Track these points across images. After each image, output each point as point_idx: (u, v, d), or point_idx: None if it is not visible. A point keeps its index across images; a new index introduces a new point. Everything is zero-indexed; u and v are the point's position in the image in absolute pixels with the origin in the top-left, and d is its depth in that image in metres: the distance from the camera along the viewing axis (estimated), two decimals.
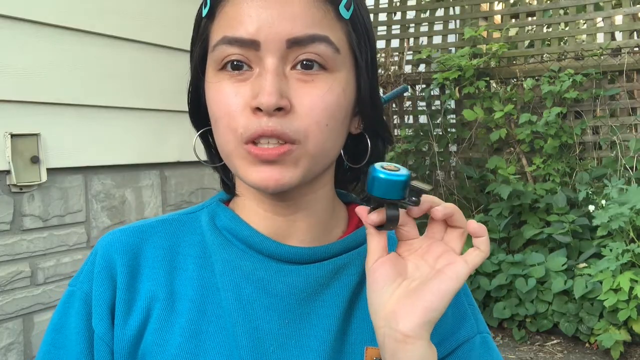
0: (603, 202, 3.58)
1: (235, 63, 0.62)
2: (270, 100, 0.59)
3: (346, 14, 0.64)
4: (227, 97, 0.63)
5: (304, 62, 0.62)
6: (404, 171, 0.59)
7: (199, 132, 0.73)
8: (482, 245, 0.60)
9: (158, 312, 0.67)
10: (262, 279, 0.67)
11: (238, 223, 0.70)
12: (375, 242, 0.62)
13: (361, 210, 0.63)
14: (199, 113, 0.72)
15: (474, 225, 0.61)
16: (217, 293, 0.68)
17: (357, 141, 0.72)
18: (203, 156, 0.74)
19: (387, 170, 0.59)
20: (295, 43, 0.61)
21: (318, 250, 0.69)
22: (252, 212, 0.71)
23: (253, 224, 0.70)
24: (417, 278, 0.60)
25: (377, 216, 0.61)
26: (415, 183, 0.60)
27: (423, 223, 0.61)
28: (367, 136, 0.71)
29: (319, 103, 0.62)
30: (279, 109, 0.60)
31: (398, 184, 0.58)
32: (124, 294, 0.68)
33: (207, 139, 0.73)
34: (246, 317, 0.66)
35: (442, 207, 0.60)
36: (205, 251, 0.70)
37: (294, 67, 0.62)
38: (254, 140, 0.62)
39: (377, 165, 0.59)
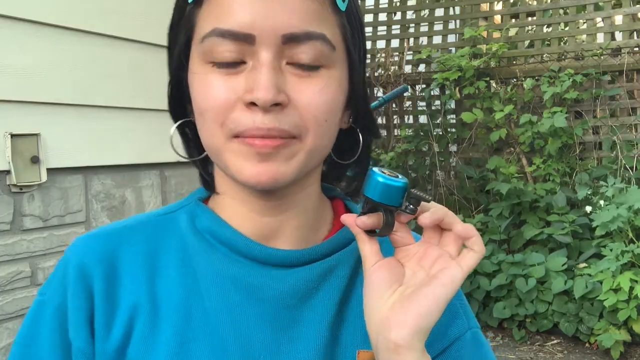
0: (601, 202, 3.58)
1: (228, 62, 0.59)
2: (267, 95, 0.56)
3: (342, 5, 0.62)
4: (215, 89, 0.59)
5: (301, 59, 0.59)
6: (402, 178, 0.59)
7: (177, 124, 0.68)
8: (475, 246, 0.58)
9: (142, 323, 0.63)
10: (249, 285, 0.64)
11: (220, 225, 0.66)
12: (369, 248, 0.61)
13: (348, 219, 0.62)
14: (179, 104, 0.67)
15: (459, 228, 0.59)
16: (202, 300, 0.64)
17: (345, 136, 0.69)
18: (182, 151, 0.71)
19: (386, 175, 0.58)
20: (291, 39, 0.58)
21: (306, 253, 0.66)
22: (235, 211, 0.67)
23: (236, 224, 0.66)
24: (412, 285, 0.59)
25: (368, 219, 0.60)
26: (414, 191, 0.59)
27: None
28: (358, 131, 0.69)
29: (318, 99, 0.60)
30: (276, 104, 0.58)
31: (398, 190, 0.58)
32: (103, 305, 0.63)
33: (184, 131, 0.69)
34: (234, 325, 0.63)
35: (429, 214, 0.59)
36: (187, 256, 0.66)
37: (289, 63, 0.59)
38: (245, 136, 0.59)
39: (377, 169, 0.59)
